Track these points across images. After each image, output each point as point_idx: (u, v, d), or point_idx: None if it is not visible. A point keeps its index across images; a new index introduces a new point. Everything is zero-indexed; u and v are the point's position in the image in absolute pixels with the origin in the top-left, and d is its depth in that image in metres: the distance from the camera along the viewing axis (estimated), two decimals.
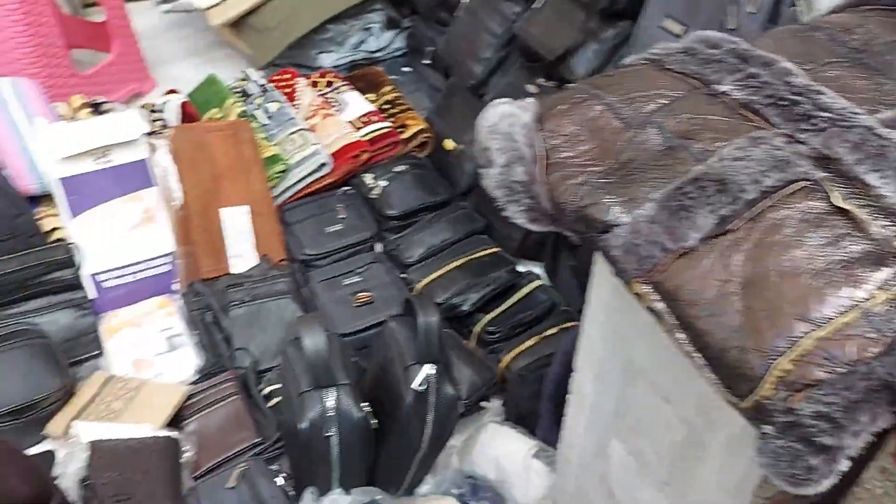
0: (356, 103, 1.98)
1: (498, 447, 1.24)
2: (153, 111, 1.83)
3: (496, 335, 1.49)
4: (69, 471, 1.19)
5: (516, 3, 1.82)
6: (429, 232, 1.73)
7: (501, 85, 1.80)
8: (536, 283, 1.60)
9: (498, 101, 0.86)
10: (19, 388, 1.32)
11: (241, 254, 1.69)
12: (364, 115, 1.94)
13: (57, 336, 1.45)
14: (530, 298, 1.56)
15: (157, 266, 1.62)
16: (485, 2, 1.89)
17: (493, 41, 1.85)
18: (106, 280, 1.57)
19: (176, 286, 1.64)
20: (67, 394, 1.38)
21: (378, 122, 1.92)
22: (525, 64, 1.77)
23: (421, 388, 1.11)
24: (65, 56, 1.93)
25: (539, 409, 1.26)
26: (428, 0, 2.18)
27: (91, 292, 1.56)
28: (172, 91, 1.92)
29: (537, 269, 1.70)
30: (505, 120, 0.82)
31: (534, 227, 0.78)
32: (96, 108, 1.79)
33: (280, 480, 1.24)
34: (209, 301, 1.58)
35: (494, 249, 1.69)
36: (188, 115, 1.84)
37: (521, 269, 1.66)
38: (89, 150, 1.52)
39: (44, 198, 1.60)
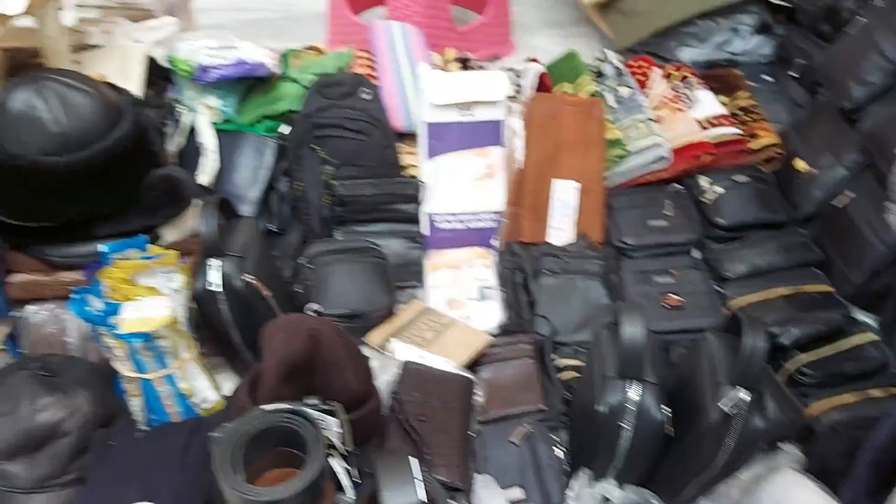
0: (708, 103, 1.92)
1: (793, 496, 1.16)
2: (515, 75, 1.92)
3: (811, 379, 1.38)
4: (381, 380, 1.32)
5: None
6: (757, 251, 1.64)
7: (884, 115, 1.63)
8: (870, 336, 1.45)
9: None
10: (357, 296, 1.48)
11: (562, 227, 1.73)
12: (714, 117, 1.87)
13: (391, 260, 1.60)
14: (859, 351, 1.42)
15: (486, 220, 1.72)
16: (884, 20, 1.72)
17: (884, 64, 1.67)
18: (440, 221, 1.70)
19: (495, 242, 1.73)
20: (390, 312, 1.52)
21: (728, 126, 1.85)
22: None
23: (731, 410, 1.07)
24: (447, 10, 2.09)
25: (851, 471, 1.15)
26: (814, 10, 2.03)
27: (425, 229, 1.70)
28: (533, 59, 2.00)
29: (871, 321, 1.54)
30: None
31: None
32: (465, 64, 1.92)
33: (558, 452, 1.27)
34: (523, 263, 1.65)
35: (828, 288, 1.55)
36: (543, 86, 1.90)
37: (854, 316, 1.51)
38: (458, 102, 1.64)
39: (407, 136, 1.75)
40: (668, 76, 2.01)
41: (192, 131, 1.70)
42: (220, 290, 1.29)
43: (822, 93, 1.92)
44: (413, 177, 1.70)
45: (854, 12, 1.89)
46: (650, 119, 1.83)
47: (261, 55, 1.73)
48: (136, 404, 1.28)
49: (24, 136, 1.26)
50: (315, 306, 1.46)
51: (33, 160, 1.25)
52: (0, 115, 1.27)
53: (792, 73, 2.09)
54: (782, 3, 2.15)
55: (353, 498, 1.05)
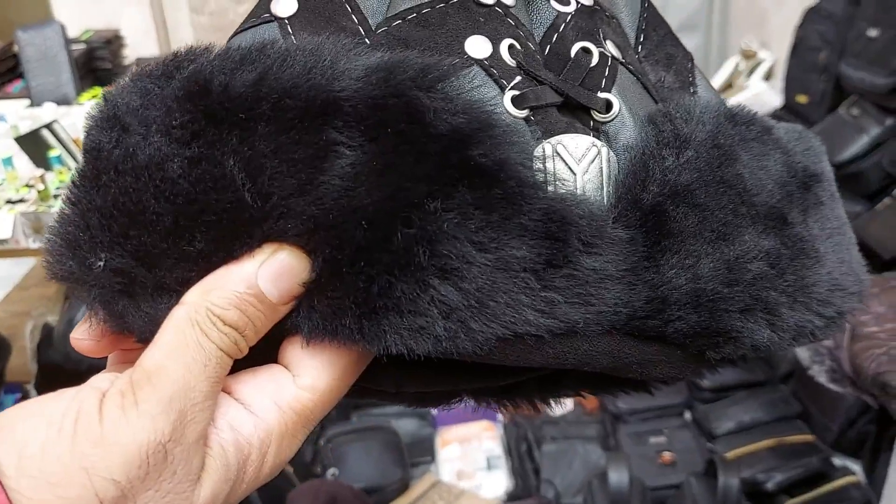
0: None
1: None
2: None
3: None
4: None
5: (857, 202, 1.87)
6: (741, 407, 1.78)
7: None
8: (851, 478, 1.55)
9: None
10: (373, 471, 1.62)
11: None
12: None
13: (404, 439, 1.75)
14: (842, 492, 1.52)
15: None
16: None
17: None
18: None
19: (500, 415, 1.88)
20: (404, 486, 1.65)
21: None
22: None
23: None
24: None
25: None
26: None
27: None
28: None
29: (854, 465, 1.65)
30: None
31: (834, 388, 0.87)
32: None
33: None
34: (526, 433, 1.79)
35: (809, 437, 1.68)
36: None
37: (836, 461, 1.62)
38: None
39: None
40: None
41: None
42: None
43: None
44: None
45: None
46: None
47: None
48: None
49: None
50: (334, 470, 1.59)
51: None
52: (67, 328, 1.49)
53: None
54: None
55: None
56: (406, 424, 1.82)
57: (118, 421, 0.25)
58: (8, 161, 1.50)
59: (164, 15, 2.63)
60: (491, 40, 0.30)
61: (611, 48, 0.32)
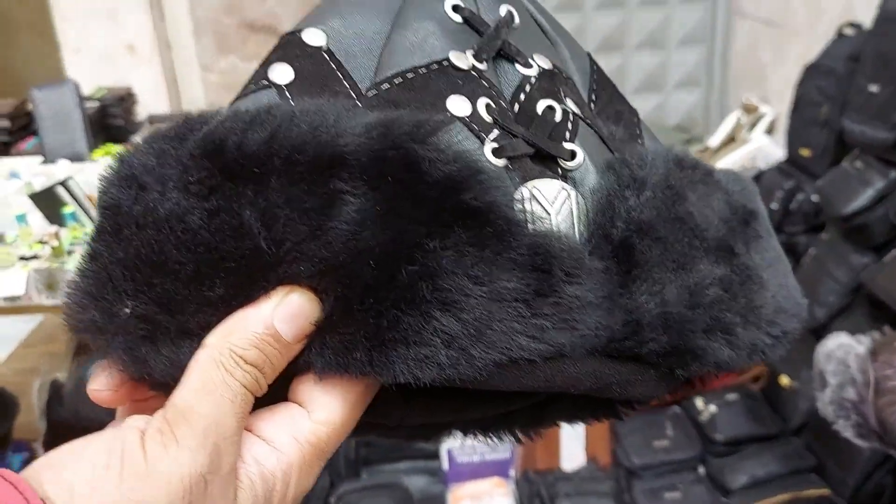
0: None
1: None
2: None
3: None
4: None
5: (864, 254, 1.88)
6: (756, 461, 1.76)
7: (843, 330, 1.83)
8: None
9: (836, 332, 0.97)
10: None
11: (573, 452, 1.86)
12: None
13: (415, 495, 1.72)
14: None
15: (501, 450, 1.85)
16: (832, 251, 1.98)
17: (838, 288, 1.91)
18: (458, 455, 1.84)
19: (512, 472, 1.85)
20: None
21: None
22: (871, 312, 1.80)
23: None
24: None
25: None
26: None
27: (445, 464, 1.83)
28: None
29: None
30: (841, 349, 0.93)
31: (860, 443, 0.86)
32: None
33: None
34: (540, 489, 1.76)
35: (825, 492, 1.65)
36: None
37: None
38: None
39: None
40: None
41: None
42: None
43: None
44: None
45: (807, 246, 2.16)
46: None
47: None
48: None
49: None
50: None
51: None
52: (78, 386, 1.48)
53: None
54: None
55: None
56: (417, 481, 1.79)
57: (160, 456, 0.27)
58: (22, 218, 1.51)
59: (175, 73, 2.67)
60: (469, 100, 0.33)
61: (571, 105, 0.36)
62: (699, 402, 1.94)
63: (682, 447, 1.84)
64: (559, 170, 0.34)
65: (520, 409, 0.39)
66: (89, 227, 1.53)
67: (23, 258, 1.43)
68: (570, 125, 0.35)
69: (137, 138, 1.80)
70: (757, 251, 0.37)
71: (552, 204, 0.32)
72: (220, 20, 2.71)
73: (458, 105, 0.33)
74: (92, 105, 1.91)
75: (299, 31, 0.36)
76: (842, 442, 1.69)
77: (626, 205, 0.33)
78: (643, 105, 3.09)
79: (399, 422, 0.36)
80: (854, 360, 0.89)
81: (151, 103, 2.40)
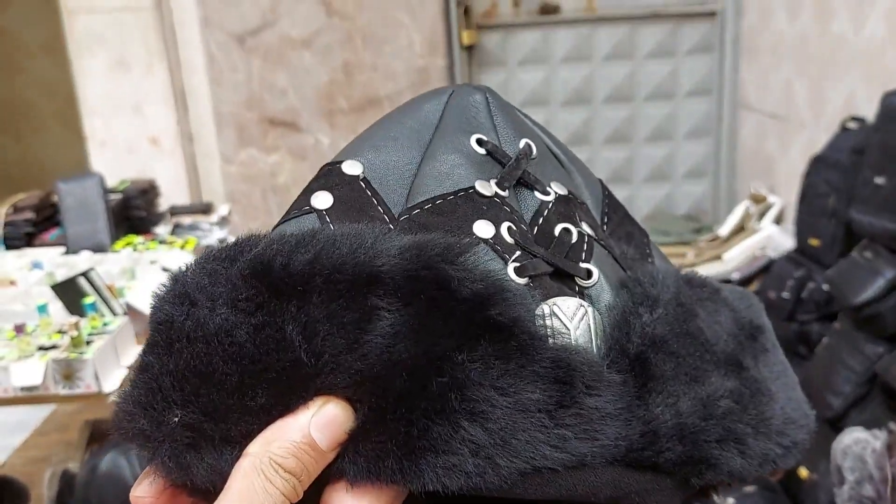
0: None
1: None
2: None
3: None
4: None
5: (878, 344, 1.87)
6: None
7: (860, 420, 1.81)
8: None
9: (853, 428, 0.97)
10: None
11: None
12: None
13: None
14: None
15: None
16: (845, 341, 1.98)
17: (853, 377, 1.89)
18: None
19: None
20: None
21: None
22: (887, 403, 1.78)
23: None
24: None
25: None
26: (789, 335, 2.31)
27: None
28: None
29: None
30: (858, 444, 0.93)
31: None
32: None
33: None
34: None
35: None
36: None
37: None
38: None
39: None
40: None
41: None
42: None
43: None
44: None
45: (820, 334, 2.16)
46: None
47: None
48: None
49: (110, 494, 1.46)
50: None
51: None
52: (90, 476, 1.48)
53: None
54: None
55: None
56: None
57: None
58: (43, 308, 1.53)
59: (195, 164, 2.75)
60: (493, 224, 0.36)
61: (586, 228, 0.39)
62: (715, 495, 1.89)
63: None
64: (577, 287, 0.36)
65: None
66: (109, 317, 1.56)
67: (42, 348, 1.45)
68: (585, 246, 0.37)
69: (159, 229, 1.84)
70: (765, 364, 0.39)
71: (571, 320, 0.34)
72: (241, 114, 2.81)
73: (483, 228, 0.36)
74: (115, 197, 1.97)
75: (339, 162, 0.39)
76: None
77: (641, 321, 0.35)
78: (652, 195, 3.14)
79: None
80: (871, 456, 0.88)
81: (173, 194, 2.47)
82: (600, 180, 0.46)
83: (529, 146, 0.41)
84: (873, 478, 0.87)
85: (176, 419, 0.32)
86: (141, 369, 0.34)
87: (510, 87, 3.02)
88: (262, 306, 0.32)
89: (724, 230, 2.74)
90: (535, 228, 0.37)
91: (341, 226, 0.35)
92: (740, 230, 2.72)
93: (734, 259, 2.58)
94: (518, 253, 0.36)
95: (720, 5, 3.00)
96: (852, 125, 2.19)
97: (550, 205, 0.39)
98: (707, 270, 2.58)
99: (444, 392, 0.31)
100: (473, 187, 0.38)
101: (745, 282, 2.52)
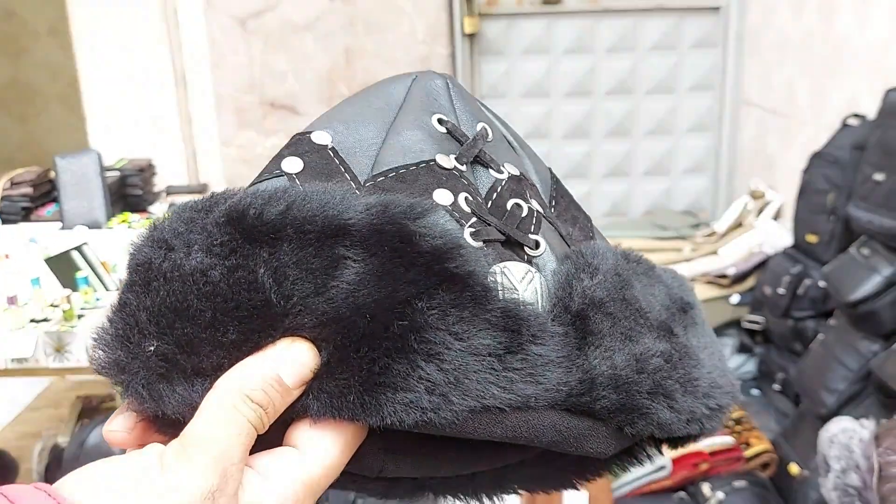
0: None
1: None
2: None
3: None
4: None
5: (874, 341, 1.87)
6: None
7: (854, 417, 1.81)
8: None
9: (841, 417, 0.97)
10: None
11: None
12: None
13: None
14: None
15: None
16: (841, 337, 1.97)
17: (848, 374, 1.89)
18: None
19: None
20: None
21: (721, 435, 2.01)
22: (881, 400, 1.78)
23: None
24: None
25: None
26: (784, 331, 2.31)
27: None
28: None
29: None
30: (845, 433, 0.92)
31: None
32: None
33: None
34: None
35: None
36: None
37: None
38: None
39: None
40: None
41: None
42: None
43: (804, 402, 2.11)
44: None
45: (816, 331, 2.16)
46: None
47: None
48: None
49: None
50: None
51: None
52: (78, 450, 1.47)
53: (775, 387, 2.30)
54: (755, 327, 2.44)
55: None
56: None
57: (178, 472, 0.30)
58: (36, 281, 1.53)
59: (194, 146, 2.75)
60: (452, 193, 0.40)
61: (535, 205, 0.42)
62: (706, 489, 1.89)
63: None
64: (525, 256, 0.40)
65: (484, 472, 0.43)
66: (101, 292, 1.55)
67: (34, 320, 1.45)
68: (534, 220, 0.41)
69: (154, 208, 1.84)
70: (694, 335, 0.43)
71: (520, 282, 0.38)
72: (240, 97, 2.80)
73: (442, 196, 0.39)
74: (112, 175, 1.96)
75: (309, 132, 0.42)
76: None
77: (582, 284, 0.39)
78: (651, 189, 3.14)
79: (378, 473, 0.39)
80: (858, 446, 0.88)
81: (171, 174, 2.46)
82: (549, 168, 0.49)
83: (486, 129, 0.44)
84: (859, 467, 0.86)
85: (151, 349, 0.34)
86: (119, 307, 0.36)
87: (511, 76, 3.01)
88: (236, 251, 0.34)
89: (722, 226, 2.73)
90: (490, 202, 0.41)
91: (312, 185, 0.37)
92: (738, 226, 2.72)
93: (730, 254, 2.58)
94: (473, 220, 0.39)
95: (724, 1, 2.98)
96: (853, 122, 2.19)
97: (504, 182, 0.42)
98: (703, 266, 2.58)
99: (404, 333, 0.33)
100: (434, 160, 0.41)
101: (741, 277, 2.52)
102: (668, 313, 0.42)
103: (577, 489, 0.45)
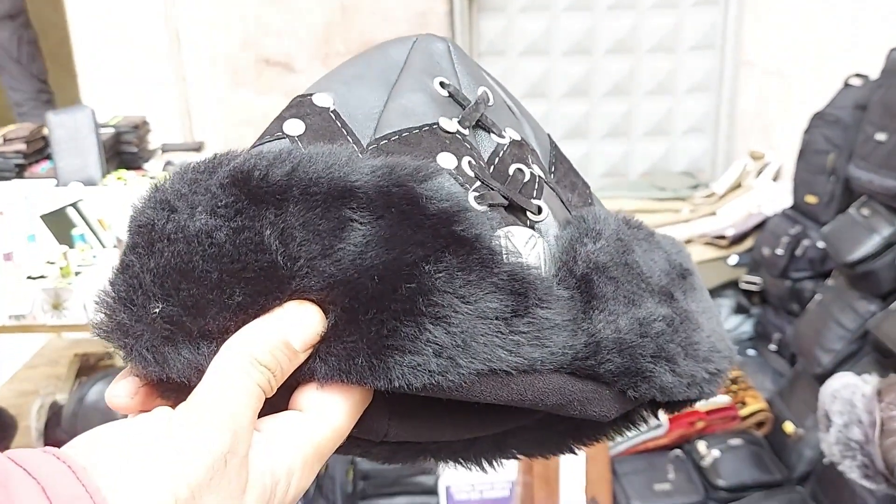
0: None
1: None
2: None
3: None
4: None
5: (871, 301, 1.88)
6: None
7: None
8: None
9: (842, 373, 0.97)
10: None
11: (572, 492, 1.83)
12: None
13: None
14: None
15: (500, 488, 1.83)
16: (838, 297, 1.98)
17: (845, 334, 1.90)
18: (457, 492, 1.82)
19: None
20: None
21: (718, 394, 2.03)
22: (878, 359, 1.79)
23: None
24: None
25: None
26: (781, 291, 2.31)
27: (443, 502, 1.81)
28: None
29: None
30: (847, 388, 0.93)
31: (867, 484, 0.85)
32: None
33: None
34: None
35: None
36: None
37: None
38: None
39: None
40: None
41: None
42: None
43: (799, 362, 2.13)
44: None
45: (813, 291, 2.16)
46: None
47: None
48: None
49: (96, 424, 1.46)
50: None
51: None
52: (77, 407, 1.47)
53: (771, 347, 2.31)
54: (752, 287, 2.45)
55: None
56: None
57: (189, 437, 0.29)
58: (32, 238, 1.52)
59: (188, 104, 2.71)
60: (455, 157, 0.39)
61: (537, 170, 0.42)
62: (702, 447, 1.91)
63: (684, 491, 1.82)
64: (528, 221, 0.40)
65: (484, 437, 0.43)
66: (97, 249, 1.54)
67: (30, 277, 1.44)
68: (536, 185, 0.41)
69: (150, 165, 1.81)
70: (693, 300, 0.44)
71: (524, 246, 0.38)
72: (236, 55, 2.76)
73: (446, 160, 0.39)
74: (107, 131, 1.93)
75: (310, 94, 0.41)
76: (847, 492, 1.67)
77: (586, 248, 0.39)
78: (651, 150, 3.12)
79: (382, 437, 0.39)
80: (860, 400, 0.88)
81: (165, 132, 2.43)
82: (549, 135, 0.48)
83: (487, 93, 0.43)
84: (862, 422, 0.87)
85: (156, 311, 0.33)
86: (121, 269, 0.35)
87: (510, 34, 2.96)
88: (241, 212, 0.33)
89: (721, 187, 2.72)
90: (492, 167, 0.40)
91: (316, 146, 0.36)
92: (737, 187, 2.71)
93: (729, 215, 2.57)
94: (477, 184, 0.39)
95: None
96: (855, 81, 2.16)
97: (506, 147, 0.42)
98: (702, 226, 2.57)
99: (412, 296, 0.33)
100: (437, 123, 0.40)
101: (739, 238, 2.52)
102: (668, 278, 0.42)
103: (576, 454, 0.45)
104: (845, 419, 0.87)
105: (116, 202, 1.69)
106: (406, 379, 0.32)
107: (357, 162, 0.35)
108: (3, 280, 1.42)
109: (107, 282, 0.35)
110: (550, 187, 0.43)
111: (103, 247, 1.56)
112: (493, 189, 0.39)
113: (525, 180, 0.41)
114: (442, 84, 0.42)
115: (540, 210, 0.40)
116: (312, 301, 0.33)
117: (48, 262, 1.48)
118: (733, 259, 2.50)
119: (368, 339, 0.33)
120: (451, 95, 0.42)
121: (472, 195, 0.38)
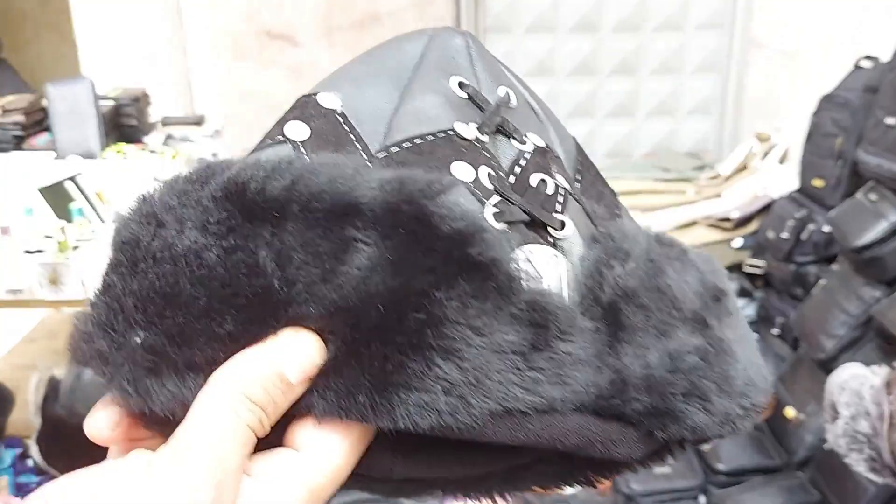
0: None
1: None
2: None
3: None
4: None
5: (876, 287, 1.86)
6: (758, 493, 1.73)
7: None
8: None
9: (851, 363, 0.95)
10: None
11: None
12: None
13: None
14: None
15: None
16: (843, 283, 1.96)
17: (849, 320, 1.89)
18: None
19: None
20: None
21: None
22: (881, 346, 1.78)
23: None
24: None
25: None
26: (785, 276, 2.29)
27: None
28: None
29: None
30: (856, 380, 0.91)
31: (874, 477, 0.84)
32: None
33: None
34: None
35: None
36: None
37: None
38: None
39: None
40: None
41: None
42: None
43: (802, 346, 2.12)
44: None
45: (818, 276, 2.14)
46: None
47: None
48: None
49: (94, 400, 1.45)
50: None
51: None
52: (76, 382, 1.47)
53: (774, 331, 2.30)
54: (756, 271, 2.43)
55: None
56: None
57: (167, 488, 0.27)
58: (29, 211, 1.50)
59: (189, 77, 2.68)
60: (473, 167, 0.36)
61: (561, 180, 0.39)
62: None
63: (684, 475, 1.82)
64: (550, 238, 0.36)
65: (498, 471, 0.40)
66: (96, 223, 1.52)
67: (28, 252, 1.42)
68: (560, 198, 0.38)
69: (150, 139, 1.79)
70: (728, 326, 0.40)
71: (545, 268, 0.35)
72: (237, 27, 2.72)
73: (462, 171, 0.36)
74: (106, 104, 1.91)
75: (315, 94, 0.38)
76: (847, 479, 1.66)
77: (613, 272, 0.35)
78: (656, 130, 3.09)
79: (386, 474, 0.36)
80: (868, 392, 0.87)
81: (166, 105, 2.40)
82: (574, 138, 0.45)
83: (508, 94, 0.40)
84: (869, 414, 0.85)
85: (138, 340, 0.30)
86: (102, 290, 0.32)
87: (516, 9, 2.92)
88: (235, 230, 0.31)
89: (726, 169, 2.70)
90: (512, 177, 0.37)
91: (319, 156, 0.34)
92: (743, 169, 2.68)
93: (734, 198, 2.55)
94: (496, 198, 0.35)
95: None
96: (866, 64, 2.13)
97: (528, 154, 0.38)
98: (706, 209, 2.55)
99: (420, 328, 0.30)
100: (453, 129, 0.37)
101: (744, 221, 2.50)
102: (702, 302, 0.39)
103: (596, 487, 0.41)
104: (853, 411, 0.85)
105: (116, 176, 1.67)
106: (412, 419, 0.30)
107: (364, 174, 0.32)
108: (1, 254, 1.40)
109: (88, 302, 0.32)
110: (575, 199, 0.39)
111: (102, 221, 1.54)
112: (512, 203, 0.36)
113: (548, 192, 0.37)
114: (461, 84, 0.39)
115: (563, 225, 0.37)
116: (311, 330, 0.30)
117: (46, 237, 1.46)
118: (738, 242, 2.48)
119: (371, 374, 0.30)
120: (469, 97, 0.39)
121: (489, 210, 0.35)
